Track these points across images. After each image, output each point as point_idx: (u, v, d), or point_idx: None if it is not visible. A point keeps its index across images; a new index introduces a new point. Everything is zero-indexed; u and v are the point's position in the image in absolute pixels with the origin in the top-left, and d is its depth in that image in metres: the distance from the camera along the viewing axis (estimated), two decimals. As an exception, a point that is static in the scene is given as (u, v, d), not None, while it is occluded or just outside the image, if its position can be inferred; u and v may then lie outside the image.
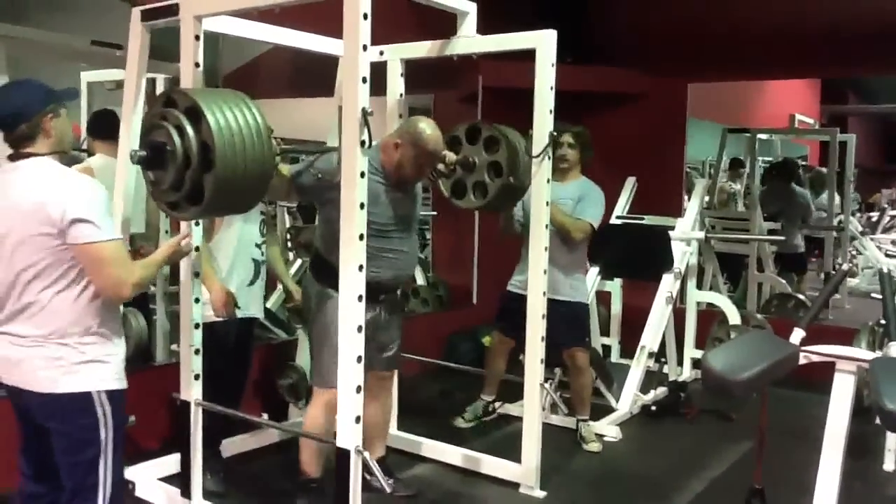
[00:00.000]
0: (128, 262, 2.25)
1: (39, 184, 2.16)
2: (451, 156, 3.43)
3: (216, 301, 3.28)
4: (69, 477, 2.26)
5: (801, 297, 6.52)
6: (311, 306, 3.17)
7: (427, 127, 3.07)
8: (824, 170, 8.62)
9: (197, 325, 3.01)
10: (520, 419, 3.64)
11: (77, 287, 2.19)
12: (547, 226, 3.45)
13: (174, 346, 4.44)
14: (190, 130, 2.31)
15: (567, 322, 3.93)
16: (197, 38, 2.80)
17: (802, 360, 2.38)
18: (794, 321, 2.56)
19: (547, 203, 3.44)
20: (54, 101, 2.28)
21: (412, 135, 3.05)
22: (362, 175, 2.48)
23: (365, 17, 2.40)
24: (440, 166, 3.37)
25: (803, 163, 10.33)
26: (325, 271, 3.11)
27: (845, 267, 3.06)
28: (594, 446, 4.14)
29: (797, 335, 2.43)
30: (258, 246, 3.50)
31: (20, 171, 2.21)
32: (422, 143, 3.04)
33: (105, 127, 4.11)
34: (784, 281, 6.77)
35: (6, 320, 2.22)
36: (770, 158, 9.06)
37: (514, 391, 4.07)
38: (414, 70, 3.78)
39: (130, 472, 3.37)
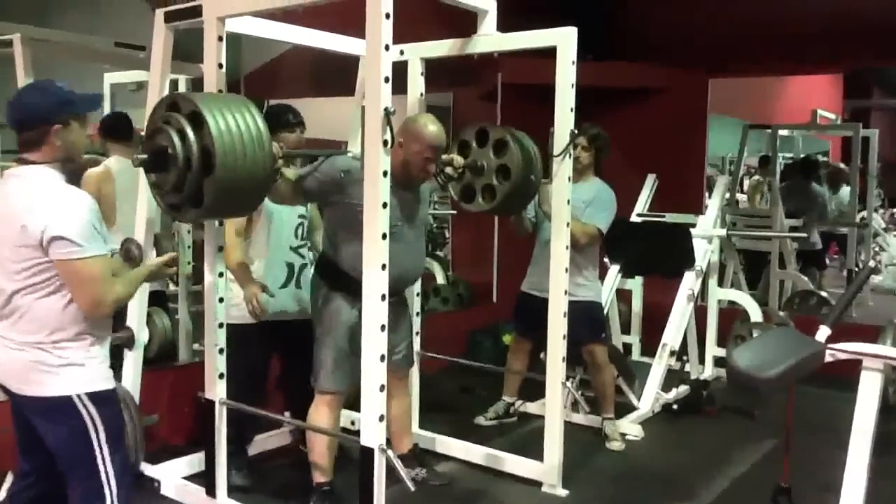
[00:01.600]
0: (107, 279, 2.20)
1: (27, 197, 2.14)
2: (458, 159, 3.41)
3: (245, 298, 3.23)
4: (74, 478, 2.28)
5: (823, 293, 6.46)
6: (317, 307, 3.16)
7: (428, 121, 3.07)
8: (842, 165, 8.53)
9: (221, 325, 3.02)
10: (541, 417, 3.64)
11: (58, 294, 2.17)
12: (567, 224, 3.43)
13: (196, 346, 4.48)
14: (191, 135, 2.35)
15: (577, 319, 3.90)
16: (220, 39, 2.82)
17: (829, 358, 2.36)
18: (816, 318, 2.53)
19: (568, 202, 3.42)
20: (69, 112, 2.20)
21: (414, 131, 3.03)
22: (385, 174, 2.48)
23: (387, 16, 2.40)
24: (448, 170, 3.34)
25: (824, 158, 10.23)
26: (330, 272, 3.12)
27: (871, 264, 3.03)
28: (616, 445, 4.13)
29: (823, 333, 2.40)
30: (293, 249, 3.45)
31: (19, 180, 2.19)
32: (424, 138, 3.02)
33: (119, 129, 4.16)
34: (806, 278, 6.72)
35: None
36: (791, 155, 8.97)
37: (535, 389, 4.07)
38: (433, 68, 3.77)
39: (155, 470, 3.41)
